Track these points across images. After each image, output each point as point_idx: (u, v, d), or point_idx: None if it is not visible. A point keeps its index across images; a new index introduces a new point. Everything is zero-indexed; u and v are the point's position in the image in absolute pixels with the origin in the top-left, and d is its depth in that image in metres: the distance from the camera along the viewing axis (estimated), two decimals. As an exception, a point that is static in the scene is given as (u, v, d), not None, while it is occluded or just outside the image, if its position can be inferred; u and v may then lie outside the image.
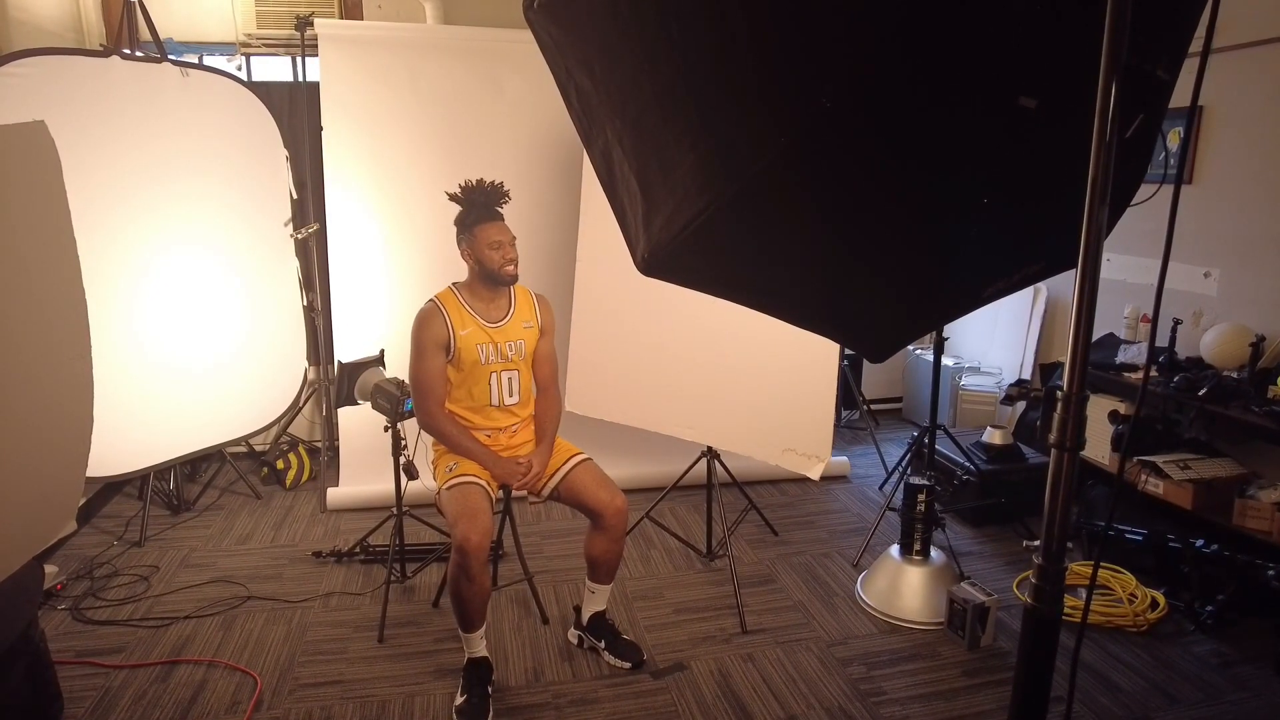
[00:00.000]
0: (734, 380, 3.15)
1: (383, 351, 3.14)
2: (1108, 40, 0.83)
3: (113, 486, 3.95)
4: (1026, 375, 4.51)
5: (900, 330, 1.51)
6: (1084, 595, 2.96)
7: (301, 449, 4.26)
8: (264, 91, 3.95)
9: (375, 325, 3.89)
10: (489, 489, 2.50)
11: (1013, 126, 1.08)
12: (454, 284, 2.65)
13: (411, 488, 2.97)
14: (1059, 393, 0.96)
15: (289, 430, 4.41)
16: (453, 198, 2.59)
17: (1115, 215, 1.10)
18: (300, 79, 4.05)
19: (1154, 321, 1.05)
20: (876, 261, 1.32)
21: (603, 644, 2.68)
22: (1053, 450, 0.96)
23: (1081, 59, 0.92)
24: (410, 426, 2.80)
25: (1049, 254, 1.33)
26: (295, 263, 4.08)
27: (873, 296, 1.39)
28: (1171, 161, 3.49)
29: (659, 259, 1.23)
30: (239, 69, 4.22)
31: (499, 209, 2.59)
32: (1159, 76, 0.96)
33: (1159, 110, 1.03)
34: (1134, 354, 3.52)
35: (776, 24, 1.00)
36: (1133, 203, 1.24)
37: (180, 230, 3.55)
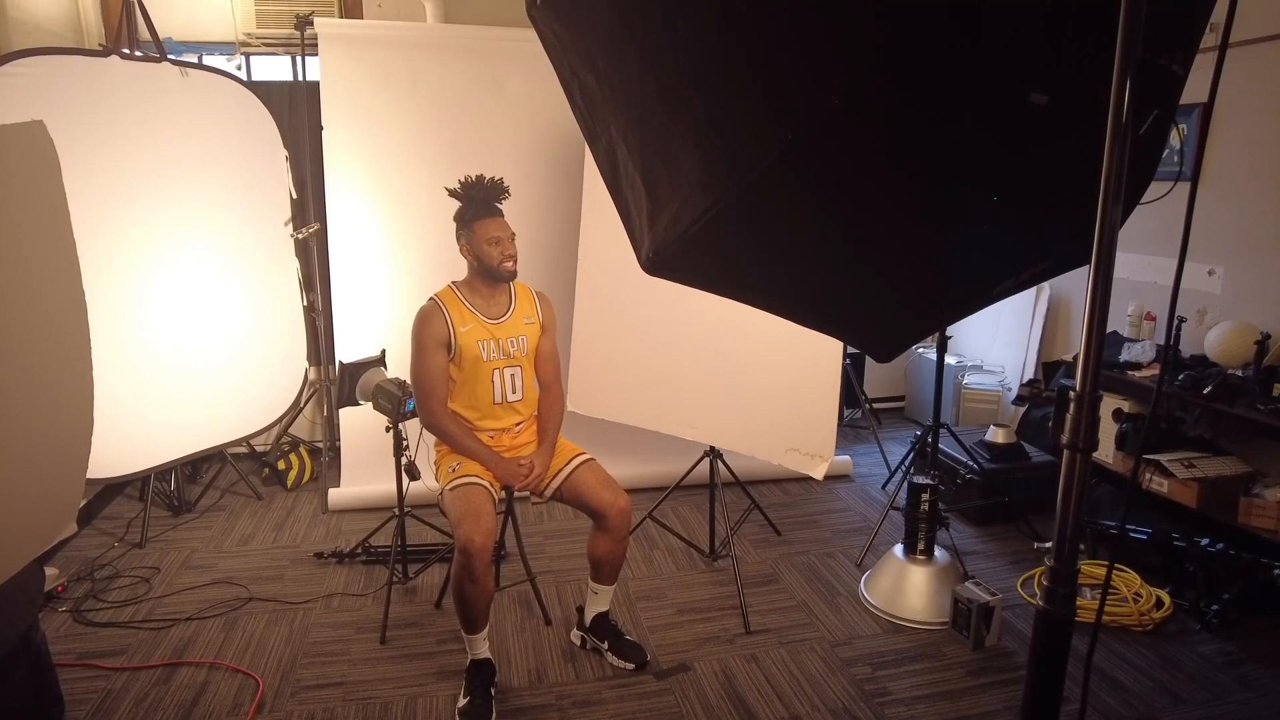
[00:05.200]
0: (737, 379, 3.14)
1: (384, 351, 3.13)
2: (1122, 34, 0.81)
3: (113, 488, 3.94)
4: (1029, 374, 4.50)
5: (907, 330, 1.50)
6: (1089, 595, 2.95)
7: (303, 449, 4.25)
8: (264, 91, 3.94)
9: (376, 325, 3.88)
10: (492, 490, 2.49)
11: (1023, 126, 1.07)
12: (453, 282, 2.64)
13: (413, 488, 2.96)
14: (1071, 393, 0.94)
15: (290, 431, 4.40)
16: (452, 193, 2.58)
17: (1126, 212, 1.09)
18: (300, 78, 4.04)
19: (1170, 320, 1.04)
20: (883, 261, 1.31)
21: (606, 645, 2.67)
22: (1065, 451, 0.95)
23: (1094, 55, 0.91)
24: (412, 427, 2.79)
25: (1056, 252, 1.32)
26: (295, 263, 4.07)
27: (879, 296, 1.38)
28: (1176, 159, 3.48)
29: (664, 258, 1.22)
30: (239, 69, 4.20)
31: (498, 205, 2.59)
32: (1173, 71, 0.95)
33: (1172, 105, 1.02)
34: (1138, 352, 3.50)
35: (783, 20, 0.99)
36: (1142, 200, 1.23)
37: (179, 231, 3.54)
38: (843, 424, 4.84)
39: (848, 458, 4.38)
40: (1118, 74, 0.83)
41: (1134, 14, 0.81)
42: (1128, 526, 3.16)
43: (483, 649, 2.47)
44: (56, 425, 1.72)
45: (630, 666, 2.62)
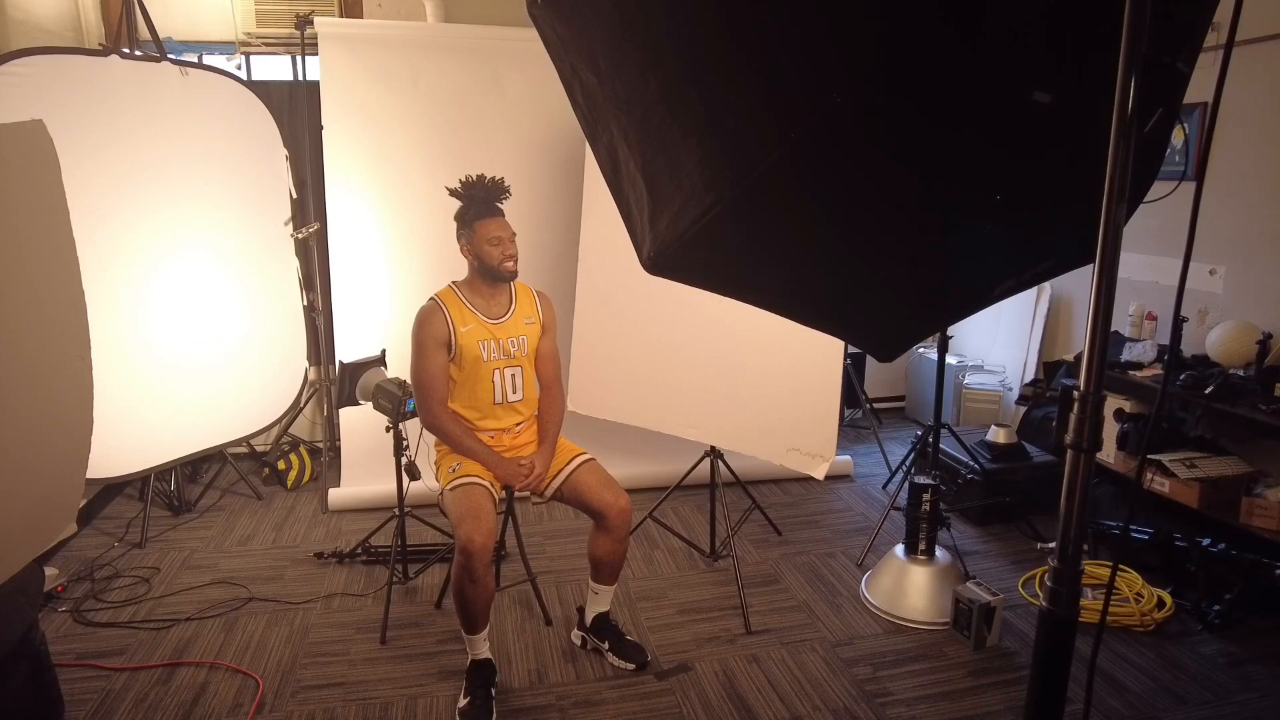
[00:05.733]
0: (737, 379, 3.13)
1: (384, 351, 3.12)
2: (1127, 32, 0.81)
3: (113, 488, 3.93)
4: (1030, 374, 4.50)
5: (909, 329, 1.49)
6: (1090, 595, 2.94)
7: (303, 449, 4.25)
8: (264, 91, 3.94)
9: (376, 325, 3.87)
10: (492, 490, 2.49)
11: (1026, 124, 1.07)
12: (454, 282, 2.64)
13: (413, 488, 2.96)
14: (1075, 392, 0.94)
15: (290, 431, 4.39)
16: (453, 193, 2.58)
17: (1129, 211, 1.09)
18: (300, 78, 4.03)
19: (1175, 320, 1.03)
20: (885, 260, 1.31)
21: (606, 645, 2.66)
22: (1069, 451, 0.94)
23: (1098, 52, 0.90)
24: (412, 427, 2.79)
25: (1059, 251, 1.32)
26: (295, 262, 4.07)
27: (881, 296, 1.37)
28: (1178, 159, 3.48)
29: (665, 257, 1.21)
30: (239, 68, 4.20)
31: (499, 204, 2.58)
32: (1178, 69, 0.94)
33: (1176, 104, 1.01)
34: (1139, 352, 3.50)
35: (785, 18, 0.99)
36: (1145, 200, 1.23)
37: (179, 231, 3.53)
38: (843, 424, 4.83)
39: (848, 458, 4.37)
40: (1122, 72, 0.82)
41: (1139, 12, 0.80)
42: (1130, 526, 3.15)
43: (483, 649, 2.47)
44: (56, 425, 1.72)
45: (631, 667, 2.62)
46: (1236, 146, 3.32)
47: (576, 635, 2.77)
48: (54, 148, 1.62)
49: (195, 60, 3.84)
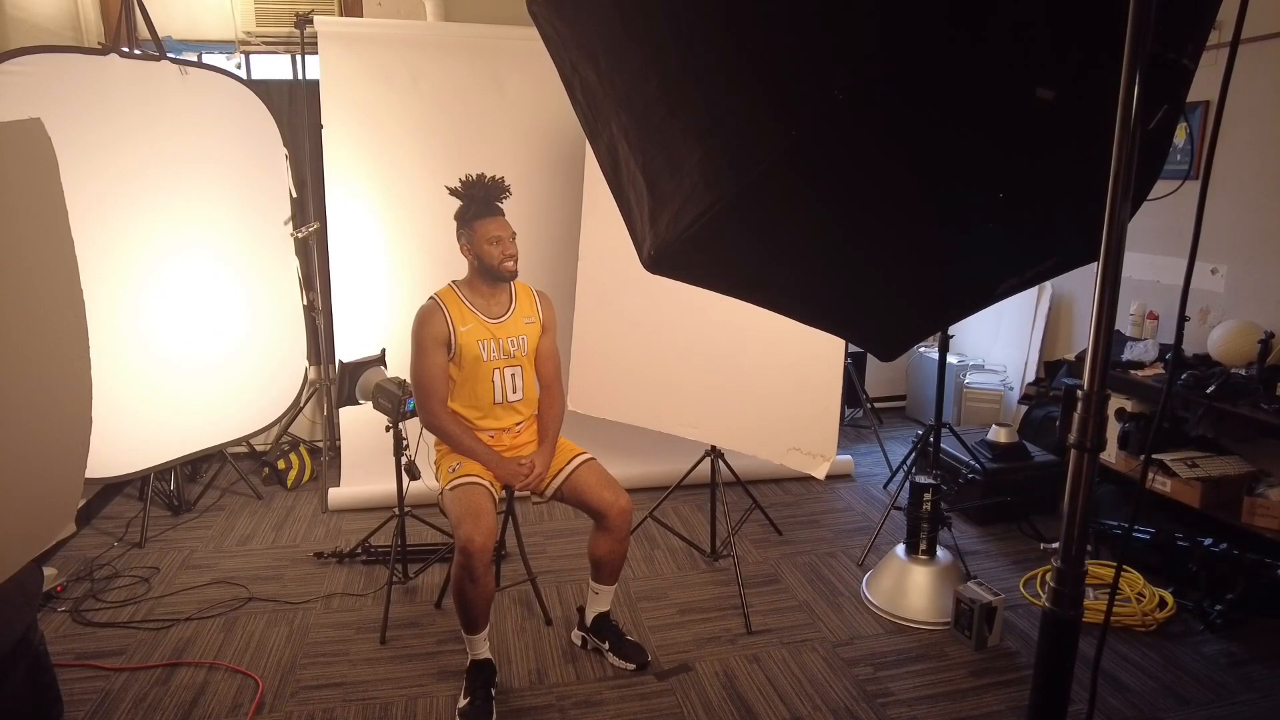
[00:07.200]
0: (738, 378, 3.13)
1: (384, 351, 3.12)
2: (1131, 27, 0.80)
3: (113, 487, 3.93)
4: (1031, 373, 4.49)
5: (911, 328, 1.49)
6: (1092, 595, 2.94)
7: (303, 449, 4.25)
8: (263, 90, 3.93)
9: (376, 324, 3.87)
10: (492, 489, 2.48)
11: (1028, 122, 1.06)
12: (454, 281, 2.63)
13: (413, 487, 2.95)
14: (1079, 392, 0.93)
15: (290, 430, 4.39)
16: (453, 192, 2.57)
17: (1133, 209, 1.08)
18: (300, 77, 4.03)
19: (1180, 319, 1.02)
20: (887, 259, 1.30)
21: (607, 645, 2.66)
22: (1072, 451, 0.93)
23: (1101, 49, 0.90)
24: (412, 426, 2.78)
25: (1062, 249, 1.31)
26: (295, 262, 4.06)
27: (883, 294, 1.37)
28: (1179, 157, 3.47)
29: (665, 256, 1.20)
30: (238, 67, 4.19)
31: (499, 204, 2.58)
32: (1183, 65, 0.94)
33: (1180, 100, 1.01)
34: (1140, 351, 3.49)
35: (786, 14, 0.98)
36: (1150, 198, 1.22)
37: (179, 230, 3.53)
38: (844, 423, 4.83)
39: (849, 457, 4.37)
40: (1127, 68, 0.82)
41: (1144, 7, 0.79)
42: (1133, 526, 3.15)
43: (483, 649, 2.46)
44: (55, 424, 1.71)
45: (631, 667, 2.61)
46: (1238, 146, 3.32)
47: (577, 635, 2.77)
48: (52, 146, 1.61)
49: (195, 59, 3.84)
